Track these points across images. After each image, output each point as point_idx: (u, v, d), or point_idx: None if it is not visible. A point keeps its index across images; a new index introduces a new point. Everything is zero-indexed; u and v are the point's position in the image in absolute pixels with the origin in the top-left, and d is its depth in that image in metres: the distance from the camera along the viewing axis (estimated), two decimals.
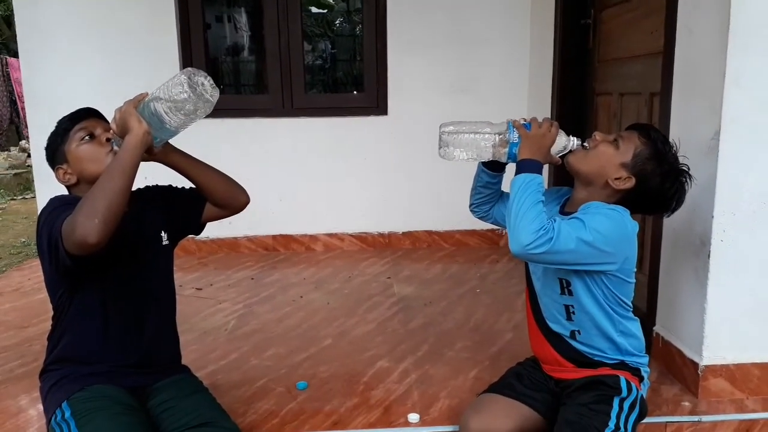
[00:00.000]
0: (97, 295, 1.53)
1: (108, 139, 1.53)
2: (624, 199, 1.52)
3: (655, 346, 2.17)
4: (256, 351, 2.36)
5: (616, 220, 1.46)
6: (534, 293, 1.67)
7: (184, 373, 1.72)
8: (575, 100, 3.17)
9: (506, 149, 1.50)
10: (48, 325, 1.62)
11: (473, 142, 1.51)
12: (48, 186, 1.51)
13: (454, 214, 3.89)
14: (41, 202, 3.57)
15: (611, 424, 1.45)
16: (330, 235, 3.86)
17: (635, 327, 1.60)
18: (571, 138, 1.53)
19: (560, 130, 1.52)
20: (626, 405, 1.49)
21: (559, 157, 1.55)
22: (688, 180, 1.55)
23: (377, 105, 3.81)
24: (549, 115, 3.32)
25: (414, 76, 3.75)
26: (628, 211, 1.50)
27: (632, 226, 1.49)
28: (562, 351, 1.61)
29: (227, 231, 3.68)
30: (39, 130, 3.61)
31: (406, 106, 3.77)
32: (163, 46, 3.61)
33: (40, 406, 1.62)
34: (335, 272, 3.41)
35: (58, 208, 1.44)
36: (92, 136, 1.56)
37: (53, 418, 1.49)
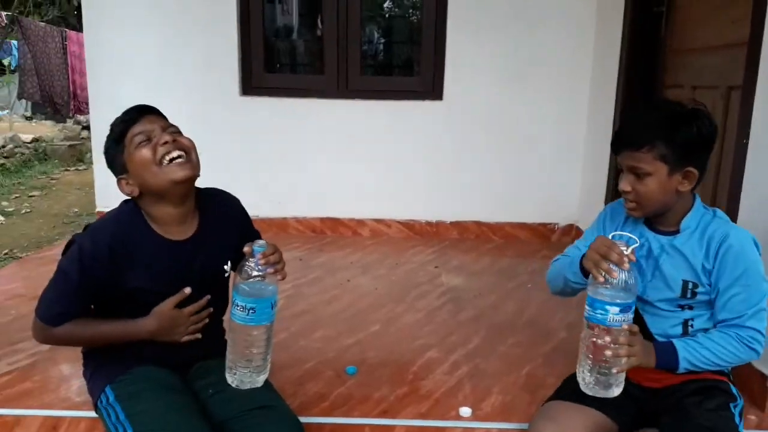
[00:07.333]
0: (144, 309, 1.47)
1: (165, 142, 1.40)
2: (697, 179, 1.40)
3: None
4: (305, 332, 2.35)
5: (754, 251, 1.40)
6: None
7: None
8: (642, 92, 3.02)
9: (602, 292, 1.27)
10: None
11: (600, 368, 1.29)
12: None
13: (505, 204, 3.81)
14: (98, 172, 3.62)
15: None
16: (377, 220, 3.82)
17: None
18: (628, 244, 1.29)
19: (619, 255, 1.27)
20: (737, 412, 1.43)
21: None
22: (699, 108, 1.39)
23: (432, 89, 3.73)
24: (613, 107, 3.18)
25: (472, 61, 3.66)
26: (751, 236, 1.41)
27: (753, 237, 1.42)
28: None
29: (277, 211, 3.67)
30: (100, 100, 3.67)
31: (462, 91, 3.68)
32: (222, 20, 3.62)
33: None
34: (382, 258, 3.37)
35: (58, 279, 1.44)
36: (149, 140, 1.41)
37: (99, 402, 1.47)
